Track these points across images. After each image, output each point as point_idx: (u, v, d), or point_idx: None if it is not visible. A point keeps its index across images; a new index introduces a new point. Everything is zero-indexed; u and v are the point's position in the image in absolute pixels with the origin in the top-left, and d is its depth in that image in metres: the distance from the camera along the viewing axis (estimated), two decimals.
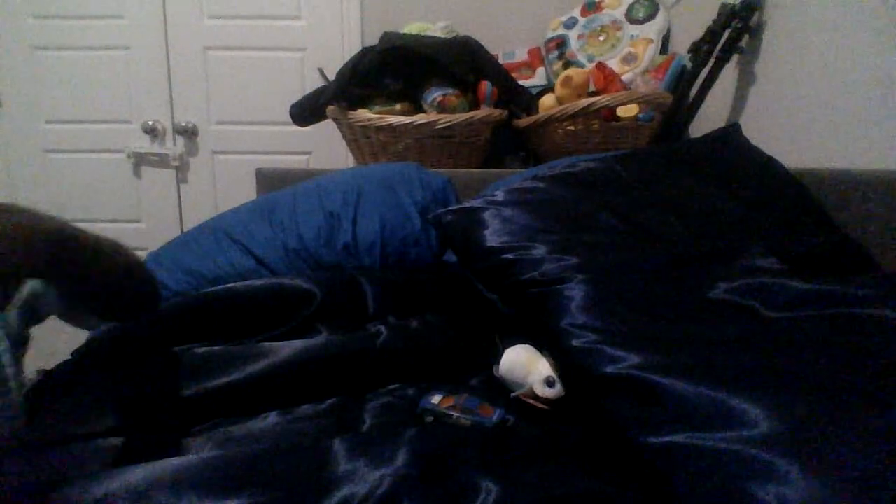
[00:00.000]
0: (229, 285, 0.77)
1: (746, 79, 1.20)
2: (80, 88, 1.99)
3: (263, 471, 0.42)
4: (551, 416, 0.57)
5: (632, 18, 1.62)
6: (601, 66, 1.39)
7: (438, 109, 1.31)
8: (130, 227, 2.07)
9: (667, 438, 0.40)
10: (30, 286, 0.42)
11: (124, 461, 0.47)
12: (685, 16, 1.55)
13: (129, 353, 0.65)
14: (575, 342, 0.52)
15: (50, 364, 0.64)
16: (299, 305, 0.75)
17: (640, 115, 1.27)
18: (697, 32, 1.23)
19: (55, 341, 0.83)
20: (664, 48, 1.58)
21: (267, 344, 0.65)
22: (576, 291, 0.58)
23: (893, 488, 0.32)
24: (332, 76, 1.42)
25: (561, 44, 1.70)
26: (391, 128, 1.32)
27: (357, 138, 1.41)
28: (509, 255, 0.67)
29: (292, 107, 1.51)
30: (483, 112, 1.33)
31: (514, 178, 1.06)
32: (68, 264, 0.44)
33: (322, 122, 1.51)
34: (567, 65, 1.61)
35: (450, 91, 1.32)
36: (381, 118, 1.33)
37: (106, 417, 0.54)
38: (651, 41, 1.55)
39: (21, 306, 0.41)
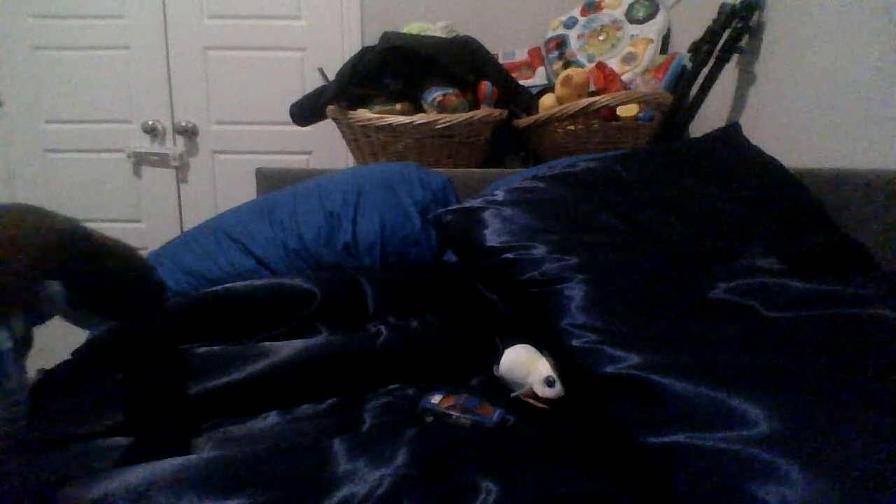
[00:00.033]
0: (229, 285, 0.77)
1: (746, 79, 1.20)
2: (80, 88, 1.99)
3: (263, 471, 0.42)
4: (551, 416, 0.57)
5: (632, 18, 1.62)
6: (601, 66, 1.39)
7: (438, 109, 1.31)
8: (130, 227, 2.07)
9: (667, 438, 0.40)
10: (48, 287, 0.42)
11: (124, 461, 0.47)
12: (685, 16, 1.55)
13: (129, 353, 0.65)
14: (575, 342, 0.52)
15: (50, 364, 0.64)
16: (299, 305, 0.75)
17: (640, 115, 1.26)
18: (697, 32, 1.23)
19: (55, 341, 0.83)
20: (664, 48, 1.58)
21: (267, 344, 0.65)
22: (576, 291, 0.58)
23: (893, 488, 0.32)
24: (332, 76, 1.42)
25: (561, 44, 1.70)
26: (391, 128, 1.32)
27: (357, 138, 1.41)
28: (509, 255, 0.67)
29: (292, 107, 1.51)
30: (483, 112, 1.33)
31: (514, 178, 1.06)
32: (81, 265, 0.44)
33: (322, 122, 1.51)
34: (567, 64, 1.61)
35: (450, 91, 1.32)
36: (381, 118, 1.33)
37: (106, 417, 0.54)
38: (651, 41, 1.55)
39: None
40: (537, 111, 1.36)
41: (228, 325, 0.72)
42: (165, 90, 2.01)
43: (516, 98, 1.44)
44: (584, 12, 1.72)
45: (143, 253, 0.85)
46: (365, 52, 1.36)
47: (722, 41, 1.18)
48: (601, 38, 1.64)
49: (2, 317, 0.36)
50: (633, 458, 0.43)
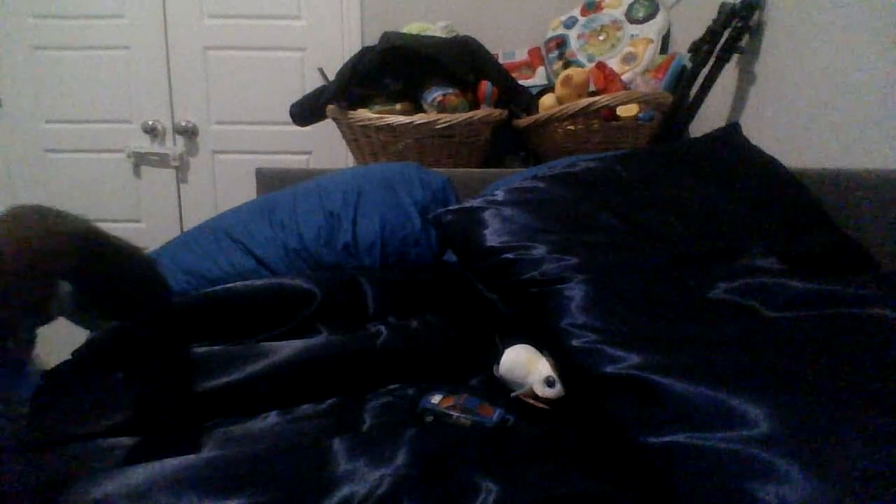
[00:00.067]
0: (229, 285, 0.77)
1: (746, 79, 1.20)
2: (80, 88, 1.99)
3: (263, 471, 0.42)
4: (551, 416, 0.57)
5: (632, 18, 1.62)
6: (601, 66, 1.39)
7: (438, 109, 1.31)
8: (130, 227, 2.07)
9: (667, 438, 0.40)
10: (60, 288, 0.42)
11: (125, 461, 0.47)
12: (685, 16, 1.55)
13: (129, 353, 0.65)
14: (575, 342, 0.52)
15: (50, 364, 0.64)
16: (299, 305, 0.75)
17: (640, 115, 1.26)
18: (697, 32, 1.23)
19: (55, 341, 0.83)
20: (664, 48, 1.58)
21: (267, 344, 0.65)
22: (576, 291, 0.58)
23: (893, 488, 0.32)
24: (332, 76, 1.42)
25: (561, 43, 1.70)
26: (391, 128, 1.32)
27: (357, 138, 1.41)
28: (509, 255, 0.67)
29: (292, 107, 1.51)
30: (483, 112, 1.33)
31: (514, 178, 1.06)
32: (92, 265, 0.44)
33: (322, 122, 1.51)
34: (567, 64, 1.61)
35: (450, 91, 1.32)
36: (381, 118, 1.33)
37: (106, 417, 0.54)
38: (651, 41, 1.55)
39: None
40: (537, 111, 1.36)
41: (228, 325, 0.72)
42: (165, 90, 2.01)
43: (516, 98, 1.44)
44: (584, 12, 1.72)
45: None
46: (365, 52, 1.36)
47: (722, 41, 1.18)
48: (601, 38, 1.64)
49: (21, 318, 0.36)
50: (633, 458, 0.43)
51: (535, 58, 1.76)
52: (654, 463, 0.40)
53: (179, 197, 2.10)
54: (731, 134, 0.95)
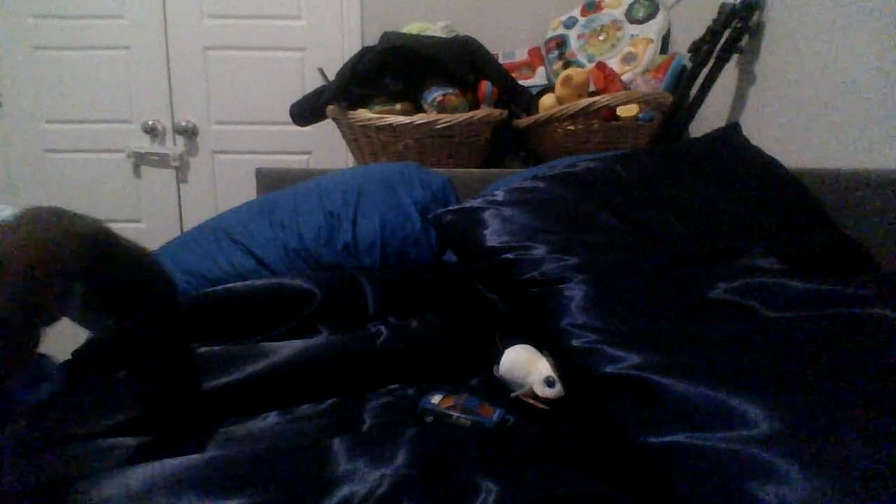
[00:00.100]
0: (229, 285, 0.77)
1: (746, 79, 1.20)
2: (80, 88, 2.00)
3: (263, 471, 0.42)
4: (551, 416, 0.57)
5: (632, 18, 1.62)
6: (601, 66, 1.39)
7: (438, 109, 1.31)
8: (130, 227, 2.07)
9: (667, 438, 0.40)
10: (75, 288, 0.42)
11: (124, 461, 0.47)
12: (685, 16, 1.55)
13: (129, 352, 0.64)
14: (575, 342, 0.52)
15: None
16: (299, 305, 0.75)
17: (640, 115, 1.27)
18: (697, 32, 1.23)
19: (56, 341, 0.83)
20: (664, 48, 1.58)
21: (267, 344, 0.65)
22: (576, 291, 0.58)
23: (893, 488, 0.32)
24: (332, 76, 1.42)
25: (561, 44, 1.70)
26: (391, 128, 1.32)
27: (357, 138, 1.41)
28: (509, 255, 0.67)
29: (292, 107, 1.51)
30: (483, 112, 1.33)
31: (514, 178, 1.06)
32: (103, 266, 0.44)
33: (322, 122, 1.51)
34: (567, 64, 1.62)
35: (450, 91, 1.32)
36: (381, 118, 1.33)
37: (106, 417, 0.54)
38: (651, 41, 1.55)
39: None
40: (537, 111, 1.36)
41: (228, 325, 0.72)
42: (165, 90, 2.01)
43: (516, 98, 1.44)
44: (584, 12, 1.72)
45: None
46: (365, 52, 1.36)
47: (722, 41, 1.18)
48: (601, 38, 1.64)
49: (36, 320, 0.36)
50: (633, 458, 0.43)
51: (535, 58, 1.76)
52: (654, 463, 0.40)
53: (179, 197, 2.10)
54: (731, 134, 0.95)
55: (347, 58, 1.41)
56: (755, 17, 1.15)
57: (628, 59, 1.55)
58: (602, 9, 1.68)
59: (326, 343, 0.66)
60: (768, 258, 0.63)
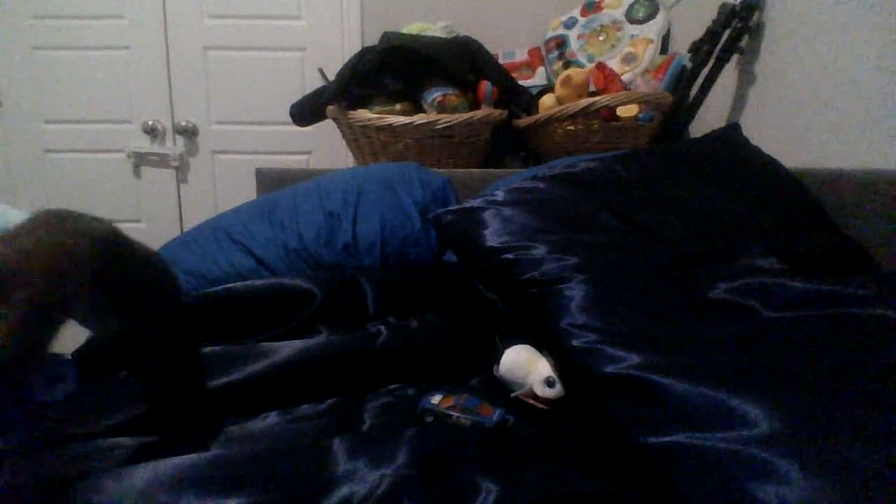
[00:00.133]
0: (229, 285, 0.77)
1: (746, 79, 1.20)
2: (80, 88, 2.00)
3: (263, 470, 0.42)
4: (551, 416, 0.57)
5: (632, 18, 1.62)
6: (601, 66, 1.39)
7: (438, 109, 1.31)
8: (130, 227, 2.07)
9: (667, 438, 0.40)
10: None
11: (124, 461, 0.47)
12: (685, 16, 1.55)
13: (129, 352, 0.64)
14: (575, 342, 0.52)
15: None
16: (299, 305, 0.75)
17: (640, 115, 1.27)
18: (697, 32, 1.23)
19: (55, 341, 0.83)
20: (664, 48, 1.58)
21: (267, 344, 0.65)
22: (576, 291, 0.58)
23: (893, 488, 0.32)
24: (332, 76, 1.42)
25: (561, 44, 1.70)
26: (391, 128, 1.32)
27: (357, 138, 1.41)
28: (509, 255, 0.67)
29: (292, 107, 1.51)
30: (483, 112, 1.33)
31: (514, 178, 1.06)
32: (114, 268, 0.44)
33: (322, 122, 1.51)
34: (567, 65, 1.62)
35: (450, 91, 1.32)
36: (381, 118, 1.33)
37: (106, 417, 0.54)
38: (651, 41, 1.55)
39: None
40: (537, 111, 1.36)
41: (228, 325, 0.72)
42: (165, 90, 2.01)
43: (516, 98, 1.44)
44: (584, 12, 1.72)
45: None
46: (365, 52, 1.36)
47: (722, 41, 1.18)
48: (601, 38, 1.64)
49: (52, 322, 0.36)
50: (633, 458, 0.43)
51: (535, 58, 1.76)
52: (654, 463, 0.40)
53: (179, 197, 2.10)
54: (731, 134, 0.95)
55: (347, 58, 1.41)
56: (755, 17, 1.15)
57: (628, 59, 1.55)
58: (602, 9, 1.68)
59: (326, 343, 0.66)
60: (768, 258, 0.63)
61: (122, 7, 1.95)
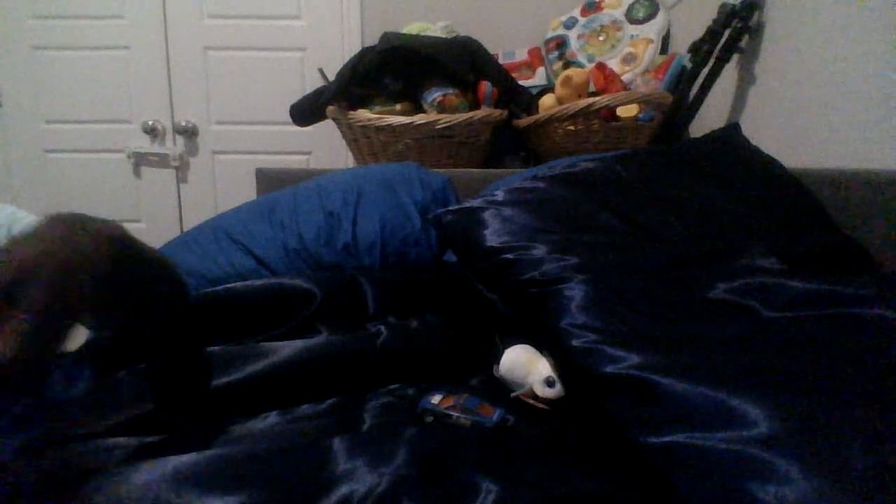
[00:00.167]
0: (229, 285, 0.77)
1: (746, 79, 1.20)
2: (80, 88, 2.00)
3: (263, 469, 0.42)
4: (551, 416, 0.57)
5: (632, 18, 1.62)
6: (601, 66, 1.39)
7: (438, 109, 1.31)
8: (130, 227, 2.04)
9: (667, 438, 0.40)
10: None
11: (124, 461, 0.47)
12: (685, 16, 1.55)
13: (130, 352, 0.64)
14: (575, 342, 0.52)
15: None
16: (299, 305, 0.74)
17: (640, 115, 1.27)
18: (697, 32, 1.23)
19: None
20: (664, 48, 1.58)
21: (267, 344, 0.65)
22: (576, 291, 0.58)
23: (893, 488, 0.32)
24: (332, 76, 1.42)
25: (561, 44, 1.70)
26: (391, 128, 1.32)
27: (357, 138, 1.41)
28: (509, 255, 0.67)
29: (292, 107, 1.51)
30: (483, 112, 1.33)
31: (514, 178, 1.06)
32: (123, 269, 0.44)
33: (322, 122, 1.51)
34: (567, 65, 1.62)
35: (450, 91, 1.32)
36: (381, 118, 1.33)
37: (106, 417, 0.54)
38: (651, 41, 1.55)
39: None
40: (537, 111, 1.36)
41: (228, 325, 0.72)
42: (165, 90, 2.01)
43: (516, 98, 1.45)
44: (584, 12, 1.72)
45: None
46: (365, 52, 1.36)
47: (722, 41, 1.18)
48: (601, 38, 1.64)
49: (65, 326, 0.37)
50: (633, 458, 0.43)
51: (535, 58, 1.76)
52: (654, 463, 0.40)
53: (179, 197, 2.10)
54: (731, 134, 0.95)
55: (347, 58, 1.41)
56: (755, 18, 1.15)
57: (628, 59, 1.56)
58: (602, 9, 1.68)
59: (326, 343, 0.66)
60: (768, 258, 0.63)
61: (122, 7, 1.95)
